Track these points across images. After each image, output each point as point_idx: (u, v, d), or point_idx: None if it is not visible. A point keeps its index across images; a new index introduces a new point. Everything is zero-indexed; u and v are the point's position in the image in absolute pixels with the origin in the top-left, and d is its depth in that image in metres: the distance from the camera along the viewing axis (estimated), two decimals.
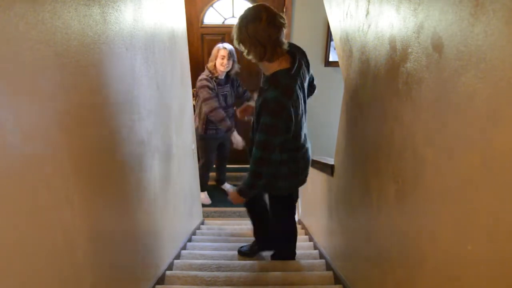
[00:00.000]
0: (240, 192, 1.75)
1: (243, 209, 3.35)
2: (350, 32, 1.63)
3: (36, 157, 0.74)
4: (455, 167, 0.77)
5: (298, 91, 1.54)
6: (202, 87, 3.03)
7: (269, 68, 1.56)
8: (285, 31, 1.51)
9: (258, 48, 1.48)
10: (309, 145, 1.84)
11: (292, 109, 1.51)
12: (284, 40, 1.52)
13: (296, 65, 1.54)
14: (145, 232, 1.57)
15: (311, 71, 1.74)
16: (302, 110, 1.61)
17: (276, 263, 2.16)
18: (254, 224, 2.27)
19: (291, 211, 2.05)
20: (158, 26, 1.72)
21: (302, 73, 1.60)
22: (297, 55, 1.58)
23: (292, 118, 1.52)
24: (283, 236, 2.15)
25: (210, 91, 3.02)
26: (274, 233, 2.16)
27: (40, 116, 0.75)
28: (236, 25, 1.50)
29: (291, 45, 1.62)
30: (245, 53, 1.54)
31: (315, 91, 1.88)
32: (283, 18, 1.49)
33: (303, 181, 1.91)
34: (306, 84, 1.64)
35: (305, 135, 1.76)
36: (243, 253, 2.34)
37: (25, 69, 0.71)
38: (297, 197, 2.02)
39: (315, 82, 1.84)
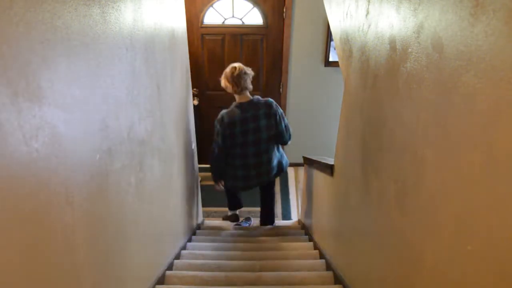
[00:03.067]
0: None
1: (243, 209, 3.49)
2: (350, 32, 1.63)
3: (36, 157, 0.74)
4: (455, 167, 0.77)
5: (239, 121, 2.53)
6: None
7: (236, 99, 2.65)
8: (242, 81, 2.52)
9: (228, 87, 2.58)
10: (255, 161, 2.67)
11: (222, 126, 2.56)
12: (244, 90, 2.54)
13: (246, 104, 2.56)
14: (145, 232, 1.57)
15: (282, 126, 2.62)
16: (238, 133, 2.55)
17: (276, 263, 2.16)
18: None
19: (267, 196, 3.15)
20: (158, 26, 1.72)
21: (254, 114, 2.55)
22: (252, 102, 2.56)
23: (221, 132, 2.57)
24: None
25: None
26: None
27: (40, 116, 0.75)
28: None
29: (260, 100, 2.59)
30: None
31: (285, 143, 2.75)
32: (238, 76, 2.51)
33: (243, 187, 2.83)
34: (263, 123, 2.56)
35: (246, 154, 2.63)
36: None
37: (25, 69, 0.70)
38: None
39: (284, 139, 2.70)
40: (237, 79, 2.52)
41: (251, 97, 2.58)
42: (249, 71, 2.57)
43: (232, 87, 2.54)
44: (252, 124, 2.54)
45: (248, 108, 2.55)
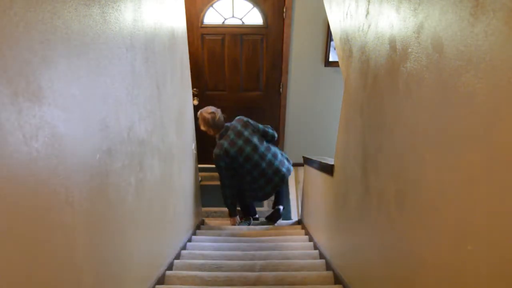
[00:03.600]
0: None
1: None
2: (350, 32, 1.63)
3: (36, 157, 0.74)
4: (455, 167, 0.77)
5: (229, 145, 2.91)
6: None
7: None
8: (213, 121, 2.89)
9: (209, 130, 2.97)
10: (266, 162, 2.99)
11: (220, 159, 2.93)
12: (222, 127, 2.95)
13: (225, 132, 2.96)
14: (145, 232, 1.57)
15: (260, 126, 3.03)
16: (236, 155, 2.89)
17: (276, 263, 2.16)
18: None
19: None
20: (158, 26, 1.72)
21: (236, 133, 2.92)
22: (228, 127, 2.95)
23: (223, 164, 2.94)
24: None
25: None
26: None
27: (41, 116, 0.75)
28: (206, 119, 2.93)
29: (232, 122, 3.00)
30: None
31: (273, 137, 3.12)
32: (218, 121, 2.92)
33: (255, 196, 3.17)
34: (247, 133, 2.93)
35: (255, 163, 2.95)
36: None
37: (25, 69, 0.71)
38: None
39: (269, 133, 3.08)
40: (218, 123, 2.91)
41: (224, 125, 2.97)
42: (222, 114, 2.98)
43: (213, 130, 2.95)
44: (240, 141, 2.90)
45: (228, 133, 2.93)
